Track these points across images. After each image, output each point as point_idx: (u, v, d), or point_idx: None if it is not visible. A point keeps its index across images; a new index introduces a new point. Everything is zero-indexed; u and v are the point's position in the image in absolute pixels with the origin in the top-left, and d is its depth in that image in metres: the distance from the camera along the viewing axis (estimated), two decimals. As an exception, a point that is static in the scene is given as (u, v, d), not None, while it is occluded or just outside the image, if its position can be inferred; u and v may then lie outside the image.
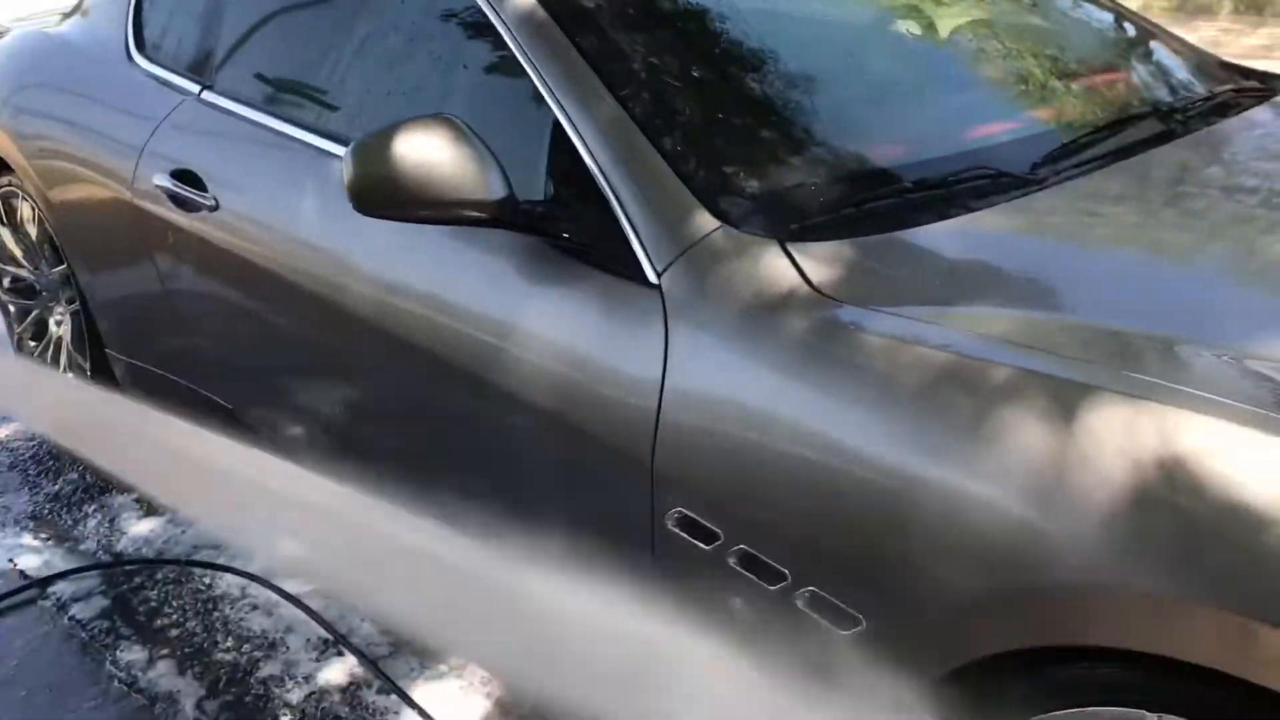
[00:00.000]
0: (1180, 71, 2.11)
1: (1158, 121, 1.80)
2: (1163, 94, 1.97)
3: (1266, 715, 1.01)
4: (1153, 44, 2.19)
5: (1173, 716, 1.08)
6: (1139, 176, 1.62)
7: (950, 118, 1.75)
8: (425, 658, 2.12)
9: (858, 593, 1.26)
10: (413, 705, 1.98)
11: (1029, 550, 1.10)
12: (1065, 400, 1.12)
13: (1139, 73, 2.05)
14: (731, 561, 1.38)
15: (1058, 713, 1.14)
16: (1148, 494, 1.05)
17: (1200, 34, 9.34)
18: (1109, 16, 2.26)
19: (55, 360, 2.90)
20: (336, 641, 2.16)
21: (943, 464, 1.18)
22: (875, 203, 1.52)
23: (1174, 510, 1.04)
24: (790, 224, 1.47)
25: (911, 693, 1.23)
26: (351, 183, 1.56)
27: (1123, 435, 1.07)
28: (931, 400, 1.21)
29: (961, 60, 1.93)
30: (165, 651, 2.15)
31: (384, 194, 1.54)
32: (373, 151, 1.53)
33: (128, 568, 2.41)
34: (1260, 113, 1.95)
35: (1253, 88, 2.08)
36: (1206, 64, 2.20)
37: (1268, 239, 1.46)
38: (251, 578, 2.32)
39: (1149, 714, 1.08)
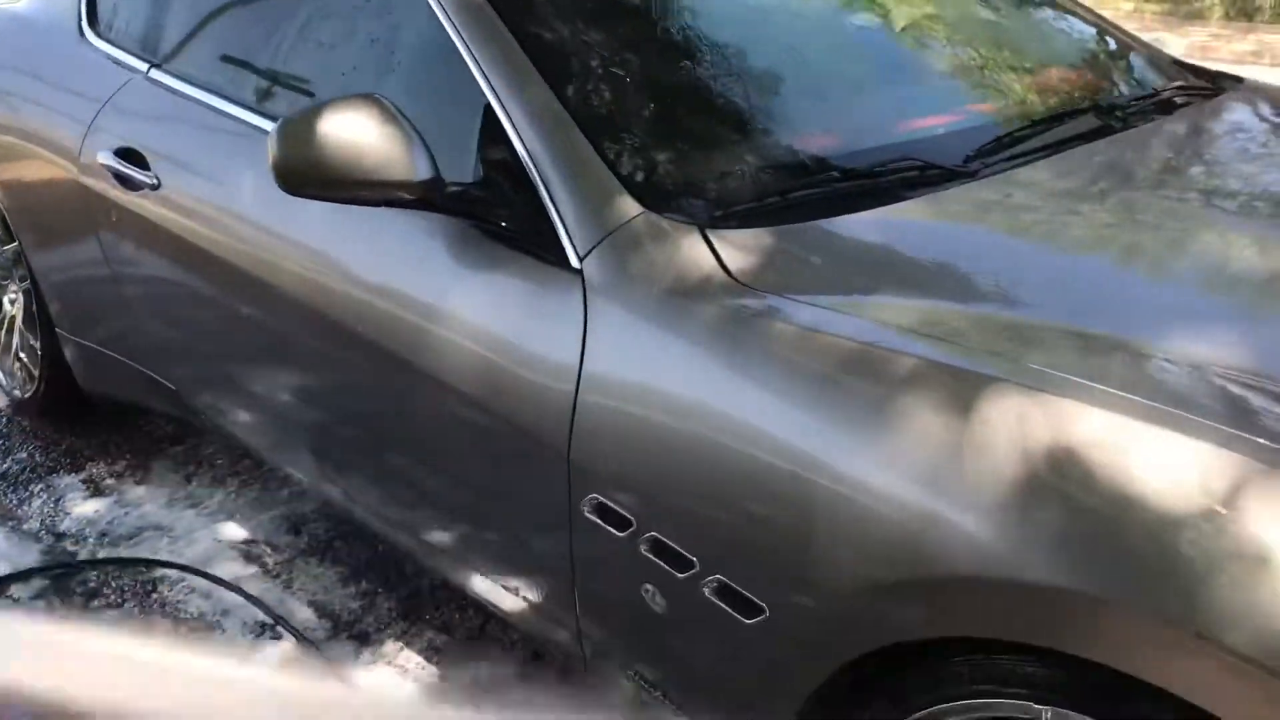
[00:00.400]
0: (1129, 69, 2.10)
1: (1098, 117, 1.79)
2: (1107, 90, 1.96)
3: (1159, 712, 1.01)
4: (1106, 41, 2.18)
5: (1066, 710, 1.07)
6: (1070, 170, 1.62)
7: (886, 110, 1.74)
8: (362, 641, 2.11)
9: (763, 582, 1.25)
10: (352, 686, 1.98)
11: (925, 540, 1.09)
12: (964, 391, 1.11)
13: (1086, 69, 2.04)
14: (643, 549, 1.37)
15: (952, 704, 1.14)
16: (1040, 485, 1.04)
17: (1191, 39, 9.37)
18: (1063, 13, 2.25)
19: (8, 339, 2.88)
20: (275, 624, 2.15)
21: (844, 453, 1.17)
22: (801, 192, 1.51)
23: (1064, 501, 1.03)
24: (714, 211, 1.46)
25: (810, 683, 1.23)
26: (276, 162, 1.54)
27: (1017, 426, 1.07)
28: (835, 389, 1.20)
29: (902, 52, 1.92)
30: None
31: (309, 173, 1.53)
32: (298, 130, 1.52)
33: (70, 559, 2.40)
34: (1202, 110, 1.94)
35: (1200, 86, 2.08)
36: (1159, 62, 2.20)
37: (1188, 234, 1.45)
38: (189, 570, 2.31)
39: (1039, 707, 1.08)
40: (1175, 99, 1.97)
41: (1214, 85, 2.12)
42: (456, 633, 2.13)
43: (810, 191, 1.51)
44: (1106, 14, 2.32)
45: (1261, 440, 0.99)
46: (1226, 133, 1.87)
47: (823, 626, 1.20)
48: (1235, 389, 1.09)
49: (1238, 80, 2.18)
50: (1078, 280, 1.35)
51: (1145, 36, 2.59)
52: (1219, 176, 1.67)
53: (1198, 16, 10.63)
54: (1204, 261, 1.40)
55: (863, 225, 1.43)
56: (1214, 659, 0.94)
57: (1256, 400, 1.07)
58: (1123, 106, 1.86)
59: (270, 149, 1.55)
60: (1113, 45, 2.18)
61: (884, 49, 1.91)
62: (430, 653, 2.08)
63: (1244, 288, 1.34)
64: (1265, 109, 2.04)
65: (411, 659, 2.06)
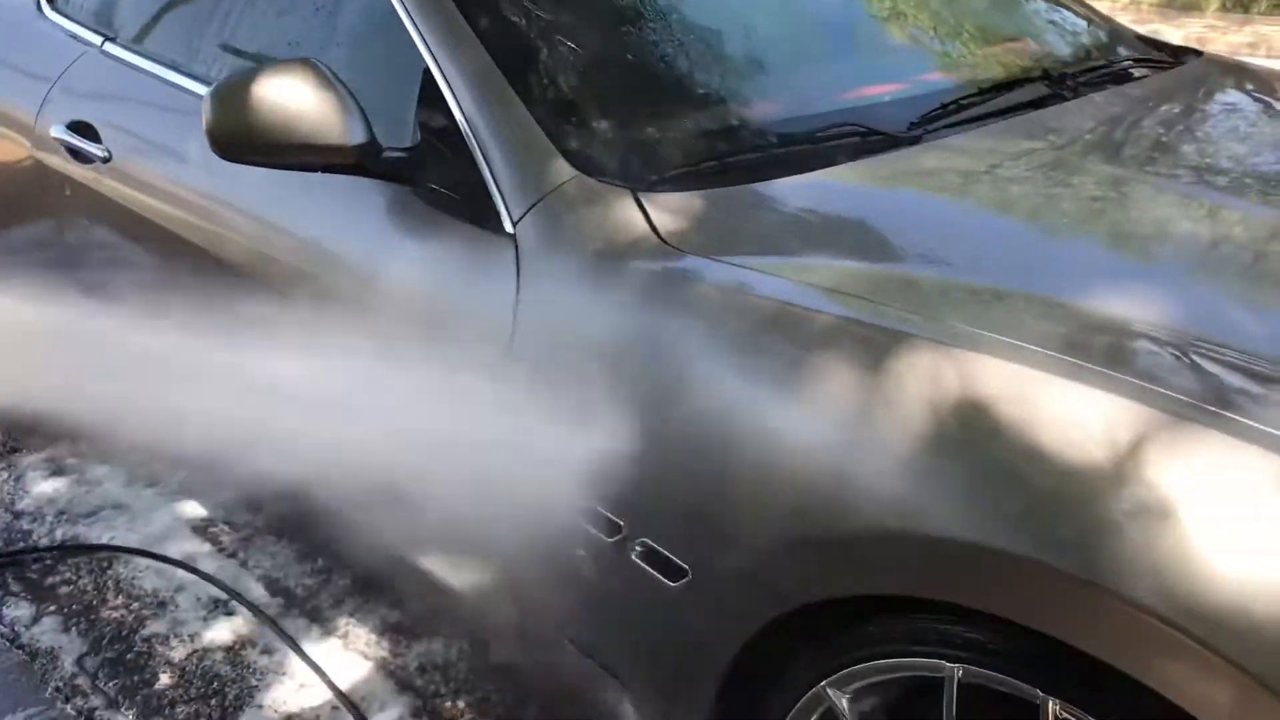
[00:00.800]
0: (1085, 40, 2.09)
1: (1047, 86, 1.77)
2: (1060, 60, 1.94)
3: (1070, 667, 0.99)
4: (1063, 12, 2.16)
5: (977, 668, 1.06)
6: (1013, 137, 1.60)
7: (828, 77, 1.73)
8: (315, 618, 2.10)
9: (686, 543, 1.24)
10: (307, 660, 1.96)
11: (839, 496, 1.08)
12: (879, 348, 1.10)
13: (1039, 39, 2.03)
14: (575, 514, 1.36)
15: (867, 664, 1.13)
16: (950, 440, 1.03)
17: (1187, 30, 9.36)
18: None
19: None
20: (229, 600, 2.14)
21: (762, 411, 1.16)
22: (737, 158, 1.49)
23: (973, 455, 1.02)
24: (649, 175, 1.45)
25: (732, 646, 1.21)
26: (211, 127, 1.53)
27: (929, 382, 1.05)
28: (755, 349, 1.18)
29: (849, 18, 1.91)
30: (52, 608, 2.13)
31: (243, 139, 1.51)
32: (232, 95, 1.50)
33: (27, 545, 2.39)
34: (1156, 80, 1.93)
35: (1158, 59, 2.06)
36: (1119, 35, 2.18)
37: (1121, 198, 1.43)
38: (139, 553, 2.29)
39: (951, 665, 1.07)
40: (1131, 70, 1.96)
41: (1173, 58, 2.10)
42: (408, 608, 2.12)
43: (746, 157, 1.50)
44: (1103, 7, 2.30)
45: (1169, 393, 0.98)
46: (1176, 101, 1.85)
47: (743, 587, 1.18)
48: (1147, 344, 1.08)
49: (1197, 54, 2.16)
50: (1003, 241, 1.34)
51: (1141, 29, 2.58)
52: (1162, 143, 1.65)
53: (1194, 8, 10.61)
54: (1130, 223, 1.38)
55: (795, 189, 1.42)
56: (1118, 612, 0.93)
57: (1167, 355, 1.06)
58: (1074, 76, 1.84)
59: (204, 114, 1.53)
60: (1070, 17, 2.16)
61: (830, 14, 1.90)
62: (382, 628, 2.07)
63: (1165, 246, 1.33)
64: (1219, 79, 2.02)
65: (363, 635, 2.05)
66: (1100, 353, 1.04)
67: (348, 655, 2.00)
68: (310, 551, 2.27)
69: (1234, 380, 1.03)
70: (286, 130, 1.49)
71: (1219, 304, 1.18)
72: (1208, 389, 1.01)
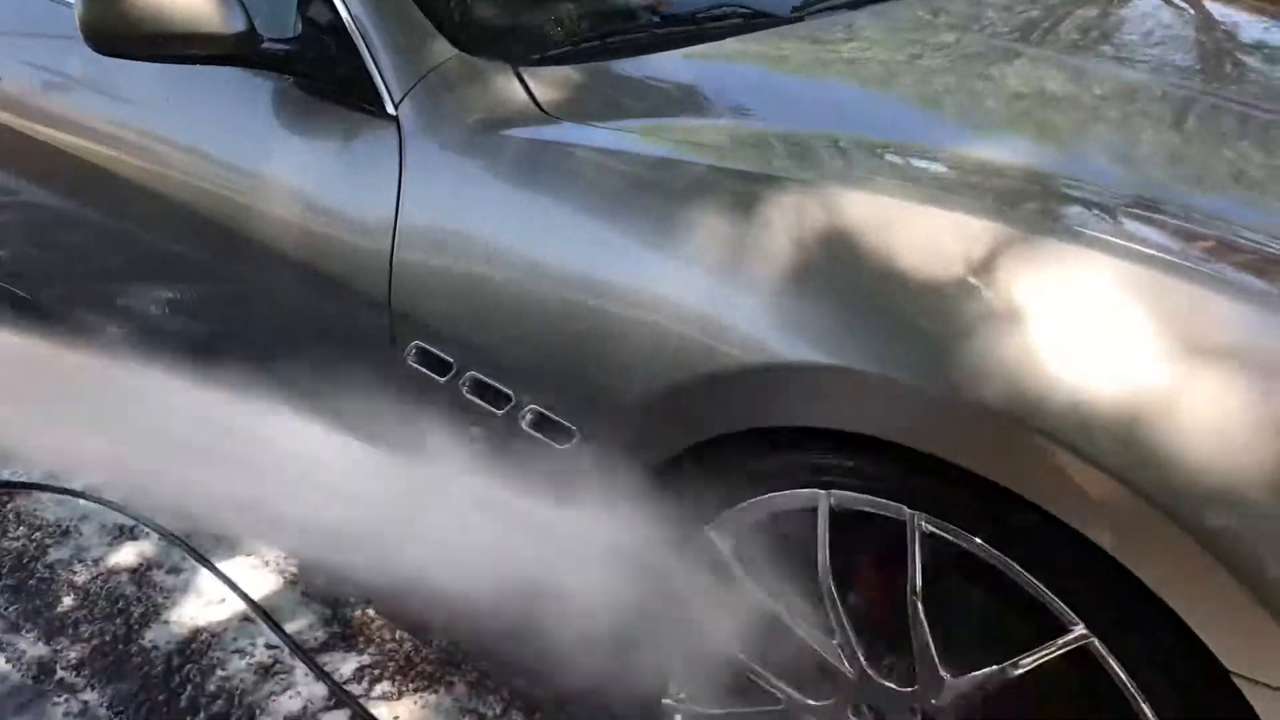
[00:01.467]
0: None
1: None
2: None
3: (941, 486, 1.02)
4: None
5: (845, 492, 1.08)
6: (895, 16, 1.63)
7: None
8: (221, 541, 2.08)
9: (571, 406, 1.25)
10: (218, 573, 1.95)
11: (710, 337, 1.10)
12: (743, 193, 1.12)
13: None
14: (465, 390, 1.37)
15: (744, 504, 1.15)
16: (812, 271, 1.05)
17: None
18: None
19: None
20: (135, 527, 2.11)
21: (635, 266, 1.17)
22: (619, 36, 1.50)
23: (833, 283, 1.04)
24: (530, 54, 1.45)
25: (627, 495, 1.23)
26: (84, 20, 1.49)
27: (791, 220, 1.07)
28: (627, 205, 1.20)
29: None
30: (-50, 541, 2.09)
31: (118, 29, 1.48)
32: (105, -16, 1.47)
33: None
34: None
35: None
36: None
37: (988, 72, 1.47)
38: (39, 487, 2.25)
39: (824, 492, 1.09)
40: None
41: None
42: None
43: (628, 36, 1.51)
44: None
45: (1016, 212, 1.01)
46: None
47: (626, 440, 1.20)
48: (1003, 180, 1.11)
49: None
50: (865, 100, 1.37)
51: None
52: (1044, 22, 1.69)
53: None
54: (988, 89, 1.42)
55: (673, 62, 1.43)
56: (977, 421, 0.96)
57: (1021, 185, 1.09)
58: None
59: (77, 7, 1.50)
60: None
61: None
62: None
63: (1020, 107, 1.37)
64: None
65: (273, 553, 2.04)
66: (956, 186, 1.07)
67: (258, 572, 1.99)
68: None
69: (1081, 205, 1.07)
70: (161, 20, 1.46)
71: (1070, 147, 1.22)
72: (1058, 212, 1.04)
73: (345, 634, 1.84)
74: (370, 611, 1.89)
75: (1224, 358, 0.90)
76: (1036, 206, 1.04)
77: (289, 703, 1.70)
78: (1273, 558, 0.84)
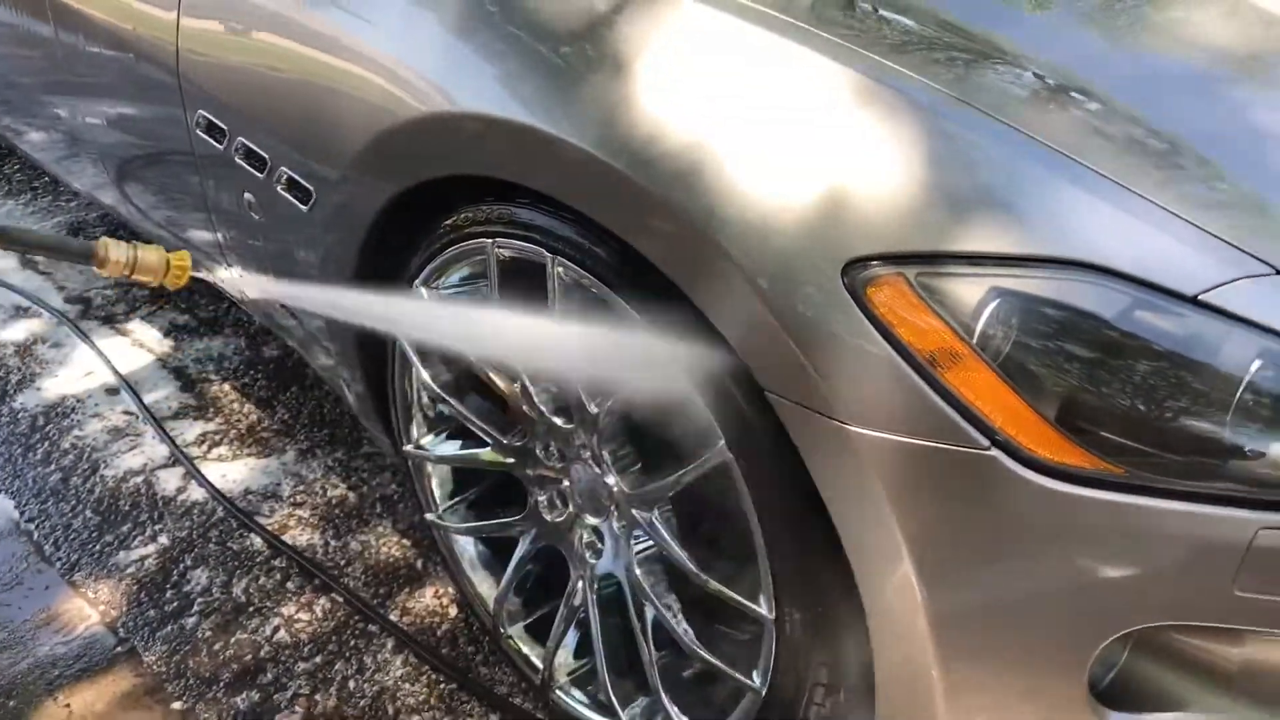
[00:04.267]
0: None
1: None
2: None
3: (588, 238, 1.08)
4: None
5: (505, 240, 1.15)
6: None
7: None
8: (109, 321, 2.22)
9: (308, 165, 1.33)
10: (93, 346, 2.09)
11: (398, 88, 1.16)
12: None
13: None
14: (237, 157, 1.44)
15: (439, 258, 1.23)
16: (476, 20, 1.11)
17: None
18: None
19: None
20: (30, 307, 2.25)
21: (353, 29, 1.23)
22: None
23: (503, 37, 1.09)
24: None
25: (352, 249, 1.31)
26: None
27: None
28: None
29: None
30: None
31: None
32: None
33: None
34: None
35: None
36: None
37: None
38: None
39: (488, 241, 1.17)
40: None
41: None
42: (197, 314, 2.24)
43: None
44: None
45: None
46: None
47: (350, 191, 1.27)
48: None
49: None
50: None
51: None
52: None
53: None
54: None
55: None
56: (574, 161, 1.01)
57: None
58: None
59: None
60: None
61: None
62: (169, 329, 2.19)
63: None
64: None
65: (151, 334, 2.17)
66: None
67: (133, 350, 2.13)
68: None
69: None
70: None
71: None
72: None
73: (199, 405, 1.98)
74: (227, 385, 2.02)
75: (793, 119, 0.95)
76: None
77: (131, 459, 1.85)
78: (799, 299, 0.90)
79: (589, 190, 1.03)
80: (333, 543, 1.67)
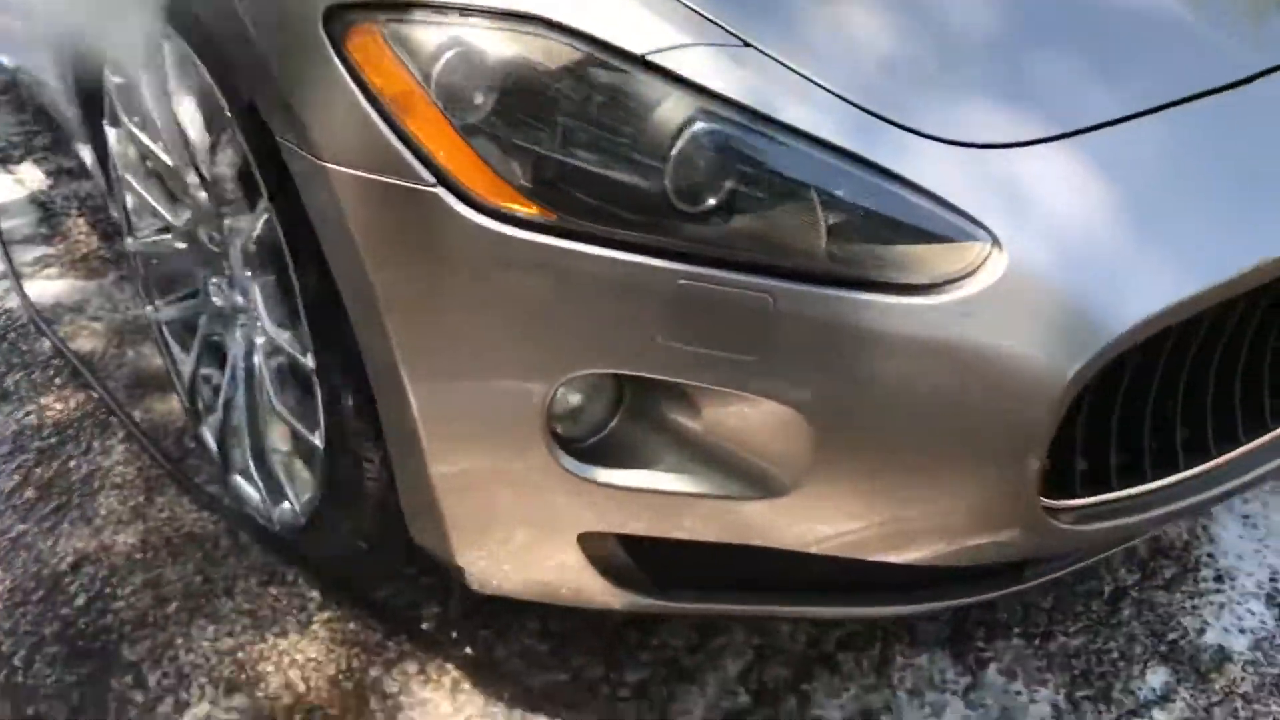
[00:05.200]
0: None
1: None
2: None
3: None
4: None
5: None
6: None
7: None
8: (4, 162, 2.37)
9: None
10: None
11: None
12: None
13: None
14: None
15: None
16: None
17: None
18: None
19: None
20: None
21: None
22: None
23: None
24: None
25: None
26: None
27: None
28: None
29: None
30: None
31: None
32: None
33: None
34: None
35: None
36: None
37: None
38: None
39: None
40: None
41: None
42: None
43: None
44: None
45: None
46: None
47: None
48: None
49: None
50: None
51: None
52: None
53: None
54: None
55: None
56: None
57: None
58: None
59: None
60: None
61: None
62: (53, 171, 2.33)
63: None
64: None
65: (36, 176, 2.32)
66: None
67: (13, 186, 2.27)
68: (20, 110, 2.53)
69: None
70: None
71: None
72: None
73: (49, 234, 2.11)
74: (80, 221, 2.15)
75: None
76: None
77: (-30, 271, 1.99)
78: (285, 44, 0.97)
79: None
80: (112, 352, 1.78)
